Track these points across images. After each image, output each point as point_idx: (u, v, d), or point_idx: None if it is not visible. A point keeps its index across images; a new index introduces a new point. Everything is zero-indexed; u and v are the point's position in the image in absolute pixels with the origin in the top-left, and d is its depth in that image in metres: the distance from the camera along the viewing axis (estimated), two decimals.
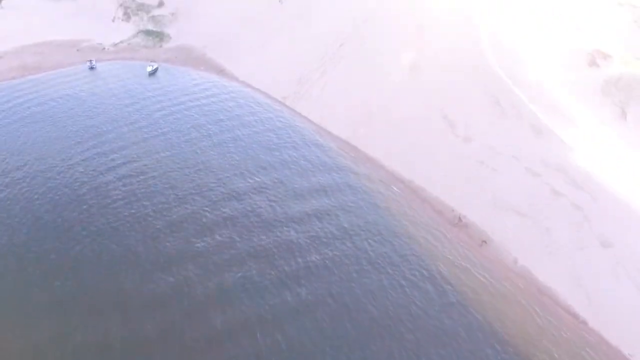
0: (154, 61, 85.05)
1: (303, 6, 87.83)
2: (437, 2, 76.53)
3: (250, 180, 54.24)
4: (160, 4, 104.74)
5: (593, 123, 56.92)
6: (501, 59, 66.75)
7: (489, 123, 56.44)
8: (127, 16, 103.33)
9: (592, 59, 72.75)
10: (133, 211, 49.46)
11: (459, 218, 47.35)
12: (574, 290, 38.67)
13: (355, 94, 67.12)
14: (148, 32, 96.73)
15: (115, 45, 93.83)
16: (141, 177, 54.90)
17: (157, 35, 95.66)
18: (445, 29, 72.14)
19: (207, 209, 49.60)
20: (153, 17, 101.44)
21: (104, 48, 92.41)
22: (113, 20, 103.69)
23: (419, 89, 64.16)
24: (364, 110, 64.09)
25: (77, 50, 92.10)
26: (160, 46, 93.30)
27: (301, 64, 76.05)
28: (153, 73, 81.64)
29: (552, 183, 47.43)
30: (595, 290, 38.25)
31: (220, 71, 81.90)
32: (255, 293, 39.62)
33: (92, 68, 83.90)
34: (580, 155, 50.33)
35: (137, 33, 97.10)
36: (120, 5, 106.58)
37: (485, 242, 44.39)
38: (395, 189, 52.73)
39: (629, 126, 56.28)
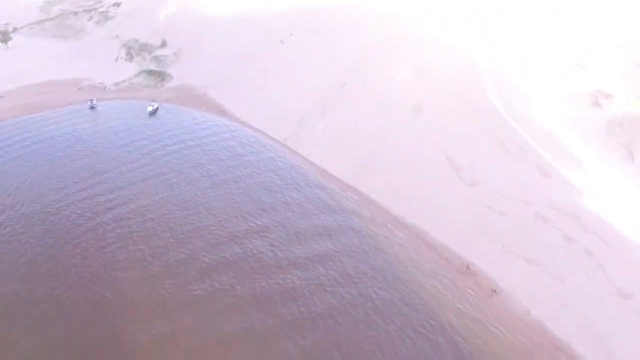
0: (155, 101, 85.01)
1: (304, 46, 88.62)
2: (437, 42, 77.30)
3: (251, 223, 52.82)
4: (163, 44, 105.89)
5: (600, 164, 56.18)
6: (504, 98, 66.88)
7: (495, 165, 55.61)
8: (130, 56, 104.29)
9: (595, 99, 73.03)
10: (129, 255, 47.83)
11: (467, 266, 45.69)
12: (592, 345, 36.66)
13: (357, 135, 66.56)
14: (150, 72, 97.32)
15: (117, 84, 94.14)
16: (138, 218, 53.53)
17: (159, 75, 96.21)
18: (446, 68, 72.47)
19: (206, 253, 47.97)
20: (156, 57, 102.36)
21: (106, 87, 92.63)
22: (116, 60, 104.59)
23: (422, 130, 63.68)
24: (366, 152, 63.35)
25: (79, 89, 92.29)
26: (162, 86, 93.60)
27: (302, 104, 75.95)
28: (154, 113, 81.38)
29: (563, 228, 46.10)
30: (616, 345, 36.24)
31: (221, 111, 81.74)
32: (256, 344, 37.63)
33: (92, 107, 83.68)
34: (591, 199, 49.28)
35: (139, 73, 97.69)
36: (124, 45, 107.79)
37: (495, 291, 42.59)
38: (400, 233, 51.26)
39: (637, 167, 55.61)
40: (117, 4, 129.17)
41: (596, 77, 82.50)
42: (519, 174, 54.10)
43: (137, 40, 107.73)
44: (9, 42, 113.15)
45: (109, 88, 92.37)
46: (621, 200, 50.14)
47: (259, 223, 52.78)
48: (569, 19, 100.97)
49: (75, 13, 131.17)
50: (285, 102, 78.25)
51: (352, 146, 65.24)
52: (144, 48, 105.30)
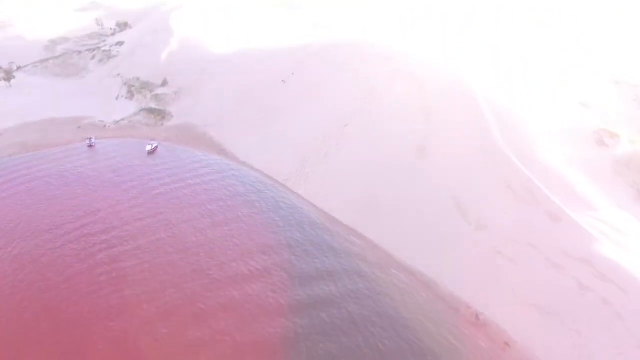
0: (154, 139, 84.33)
1: (306, 86, 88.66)
2: (441, 82, 77.18)
3: (252, 266, 50.92)
4: (164, 83, 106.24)
5: (611, 207, 54.98)
6: (509, 138, 66.12)
7: (503, 208, 54.18)
8: (130, 94, 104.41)
9: (600, 138, 72.69)
10: (123, 299, 45.75)
11: (476, 315, 43.56)
12: None
13: (360, 177, 65.33)
14: (150, 110, 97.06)
15: (116, 123, 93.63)
16: (133, 260, 51.65)
17: (159, 114, 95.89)
18: (450, 108, 71.94)
19: (203, 297, 45.95)
20: (156, 95, 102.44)
21: (106, 126, 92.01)
22: (117, 98, 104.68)
23: (427, 172, 62.54)
24: (370, 194, 61.91)
25: (79, 127, 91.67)
26: (162, 124, 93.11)
27: (303, 144, 75.12)
28: (153, 151, 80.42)
29: (577, 276, 44.29)
30: None
31: (221, 151, 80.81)
32: None
33: (91, 146, 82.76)
34: (604, 244, 47.62)
35: (140, 111, 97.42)
36: (125, 83, 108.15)
37: (508, 344, 40.31)
38: (406, 279, 49.27)
39: None
40: (121, 43, 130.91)
41: (599, 115, 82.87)
42: (528, 217, 52.63)
43: (138, 79, 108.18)
44: (12, 81, 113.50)
45: (109, 126, 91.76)
46: (635, 245, 48.55)
47: (260, 266, 50.90)
48: (568, 55, 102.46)
49: (79, 52, 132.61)
50: (286, 141, 77.43)
51: (356, 188, 63.89)
52: (145, 86, 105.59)
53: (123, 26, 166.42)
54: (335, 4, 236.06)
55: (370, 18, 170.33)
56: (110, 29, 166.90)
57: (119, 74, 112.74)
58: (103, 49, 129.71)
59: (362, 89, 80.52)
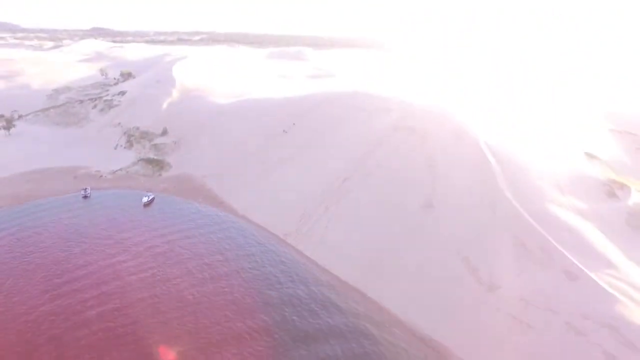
0: (151, 191, 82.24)
1: (307, 137, 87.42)
2: (444, 133, 75.71)
3: (251, 321, 47.36)
4: (164, 133, 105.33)
5: (629, 263, 51.68)
6: (517, 191, 63.71)
7: (516, 268, 50.91)
8: (129, 144, 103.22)
9: (610, 190, 70.30)
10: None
11: None
12: None
13: (363, 233, 62.46)
14: (148, 160, 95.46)
15: (113, 173, 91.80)
16: (124, 319, 48.02)
17: (157, 164, 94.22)
18: (455, 160, 70.03)
19: (197, 357, 42.23)
20: (155, 145, 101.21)
21: (102, 176, 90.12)
22: (115, 148, 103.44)
23: (433, 228, 59.67)
24: (373, 251, 58.85)
25: (74, 177, 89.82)
26: (160, 175, 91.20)
27: (304, 198, 72.75)
28: (149, 203, 78.04)
29: (601, 343, 40.55)
30: None
31: (220, 203, 78.37)
32: None
33: (85, 196, 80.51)
34: (627, 306, 43.98)
35: (138, 161, 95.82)
36: (125, 133, 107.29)
37: None
38: (414, 343, 45.44)
39: None
40: (123, 93, 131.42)
41: (605, 165, 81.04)
42: (543, 276, 49.28)
43: (138, 128, 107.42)
44: (12, 130, 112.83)
45: (105, 176, 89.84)
46: None
47: (260, 321, 47.41)
48: (566, 101, 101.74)
49: (81, 101, 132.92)
50: (285, 195, 75.12)
51: (358, 245, 60.85)
52: (145, 136, 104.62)
53: (126, 76, 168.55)
54: (336, 55, 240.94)
55: (372, 64, 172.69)
56: (114, 78, 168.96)
57: (119, 123, 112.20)
58: (105, 98, 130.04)
59: (363, 141, 79.10)
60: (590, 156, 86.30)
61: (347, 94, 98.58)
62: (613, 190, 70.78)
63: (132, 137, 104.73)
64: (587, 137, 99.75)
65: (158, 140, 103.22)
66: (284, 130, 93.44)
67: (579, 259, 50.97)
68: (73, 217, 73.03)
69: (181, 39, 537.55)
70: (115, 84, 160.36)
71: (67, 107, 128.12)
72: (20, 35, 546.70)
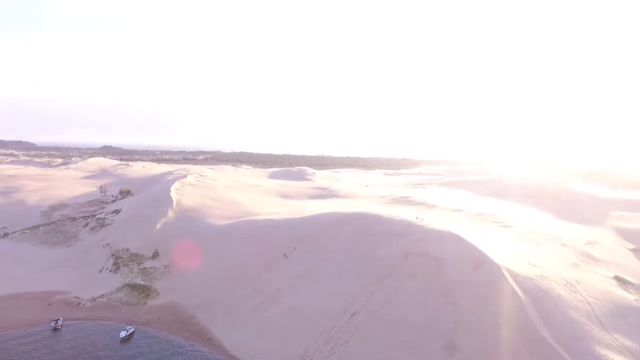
0: (132, 323, 72.41)
1: (311, 263, 79.27)
2: (462, 260, 67.43)
3: None
4: (155, 255, 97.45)
5: None
6: (552, 326, 54.11)
7: None
8: (116, 267, 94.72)
9: None
10: None
11: None
12: None
13: None
14: (134, 286, 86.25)
15: (93, 300, 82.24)
16: None
17: (144, 291, 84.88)
18: (478, 292, 60.59)
19: None
20: (144, 269, 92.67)
21: (80, 304, 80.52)
22: (100, 271, 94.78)
23: None
24: None
25: (49, 304, 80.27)
26: (145, 303, 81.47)
27: (305, 335, 62.65)
28: (127, 339, 67.85)
29: None
30: None
31: (208, 340, 67.83)
32: None
33: (56, 329, 70.55)
34: None
35: (122, 287, 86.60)
36: (113, 254, 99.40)
37: None
38: None
39: None
40: (117, 211, 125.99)
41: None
42: None
43: (127, 250, 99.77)
44: None
45: (84, 304, 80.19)
46: None
47: None
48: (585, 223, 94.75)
49: (73, 219, 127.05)
50: (285, 331, 65.01)
51: None
52: (134, 258, 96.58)
53: (125, 194, 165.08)
54: (339, 175, 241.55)
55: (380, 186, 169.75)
56: (112, 196, 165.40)
57: (108, 244, 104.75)
58: (98, 216, 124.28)
59: (372, 269, 70.95)
60: (621, 281, 77.74)
61: (351, 217, 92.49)
62: None
63: (120, 260, 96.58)
64: (612, 258, 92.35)
65: (148, 264, 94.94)
66: (284, 255, 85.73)
67: None
68: (35, 356, 62.49)
69: (186, 158, 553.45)
70: (113, 201, 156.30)
71: (57, 225, 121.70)
72: (33, 153, 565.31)
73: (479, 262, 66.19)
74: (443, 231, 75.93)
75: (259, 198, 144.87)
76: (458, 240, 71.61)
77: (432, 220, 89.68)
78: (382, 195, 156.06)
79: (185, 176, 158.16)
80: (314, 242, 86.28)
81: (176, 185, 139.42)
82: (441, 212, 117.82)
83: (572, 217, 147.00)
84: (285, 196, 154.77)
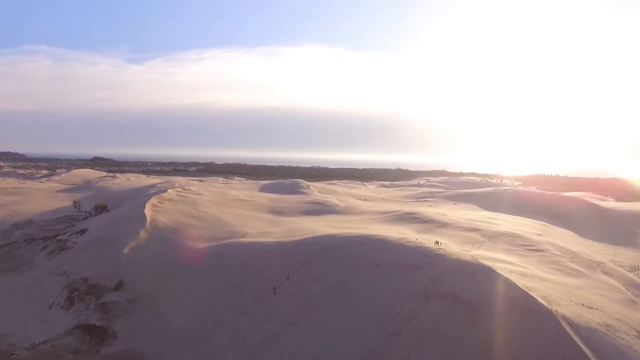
0: None
1: (305, 303, 63.13)
2: (505, 304, 52.00)
3: None
4: (119, 287, 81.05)
5: None
6: None
7: None
8: (70, 302, 78.25)
9: None
10: None
11: None
12: None
13: None
14: (87, 328, 69.75)
15: (33, 347, 65.83)
16: None
17: (98, 334, 68.46)
18: (530, 352, 45.55)
19: None
20: (103, 304, 76.29)
21: (13, 353, 64.02)
22: (50, 307, 78.40)
23: None
24: None
25: None
26: (97, 351, 65.13)
27: None
28: None
29: None
30: None
31: None
32: None
33: None
34: None
35: (73, 328, 70.16)
36: (68, 285, 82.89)
37: None
38: None
39: None
40: (83, 231, 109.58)
41: None
42: None
43: (86, 280, 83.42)
44: None
45: (18, 355, 63.88)
46: None
47: None
48: None
49: (31, 241, 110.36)
50: None
51: None
52: (92, 291, 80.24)
53: (101, 209, 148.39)
54: (337, 189, 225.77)
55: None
56: (85, 212, 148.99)
57: (65, 272, 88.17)
58: (60, 237, 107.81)
59: (382, 314, 55.14)
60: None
61: (353, 242, 76.66)
62: None
63: (76, 293, 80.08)
64: None
65: (109, 297, 78.61)
66: (273, 289, 69.80)
67: None
68: None
69: (177, 170, 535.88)
70: (85, 218, 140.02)
71: (11, 248, 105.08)
72: (20, 164, 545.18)
73: (526, 308, 50.49)
74: (472, 263, 60.08)
75: (247, 215, 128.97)
76: (493, 275, 55.82)
77: (454, 247, 74.02)
78: (384, 211, 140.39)
79: (165, 190, 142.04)
80: (307, 275, 70.28)
81: (153, 200, 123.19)
82: (455, 232, 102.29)
83: (595, 234, 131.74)
84: (276, 212, 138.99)
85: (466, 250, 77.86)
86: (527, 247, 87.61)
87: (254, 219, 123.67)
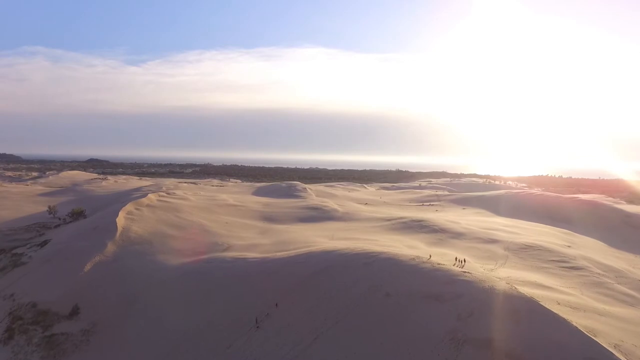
0: None
1: (293, 344, 49.53)
2: (560, 349, 38.63)
3: None
4: (73, 313, 67.38)
5: None
6: None
7: None
8: (9, 334, 64.47)
9: None
10: None
11: None
12: None
13: None
14: None
15: None
16: None
17: None
18: None
19: None
20: (51, 337, 62.57)
21: None
22: None
23: None
24: None
25: None
26: None
27: None
28: None
29: None
30: None
31: None
32: None
33: None
34: None
35: None
36: (11, 312, 69.13)
37: None
38: None
39: None
40: (44, 243, 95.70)
41: None
42: None
43: (34, 306, 69.56)
44: None
45: None
46: None
47: None
48: None
49: None
50: None
51: None
52: (39, 319, 66.51)
53: (77, 216, 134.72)
54: (336, 191, 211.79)
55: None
56: (59, 219, 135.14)
57: (12, 295, 74.20)
58: (16, 250, 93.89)
59: (399, 354, 41.78)
60: None
61: (355, 261, 62.99)
62: None
63: (19, 322, 66.22)
64: None
65: (59, 328, 64.90)
66: (256, 323, 56.11)
67: None
68: None
69: (172, 171, 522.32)
70: (58, 225, 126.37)
71: None
72: (12, 166, 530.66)
73: (588, 355, 37.20)
74: (512, 295, 46.02)
75: (235, 222, 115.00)
76: (542, 314, 42.25)
77: (479, 268, 60.10)
78: (388, 218, 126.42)
79: (145, 195, 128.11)
80: (299, 302, 56.62)
81: (129, 207, 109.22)
82: (472, 244, 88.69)
83: (625, 243, 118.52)
84: (268, 219, 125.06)
85: (491, 270, 64.24)
86: (561, 263, 73.89)
87: (243, 227, 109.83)
